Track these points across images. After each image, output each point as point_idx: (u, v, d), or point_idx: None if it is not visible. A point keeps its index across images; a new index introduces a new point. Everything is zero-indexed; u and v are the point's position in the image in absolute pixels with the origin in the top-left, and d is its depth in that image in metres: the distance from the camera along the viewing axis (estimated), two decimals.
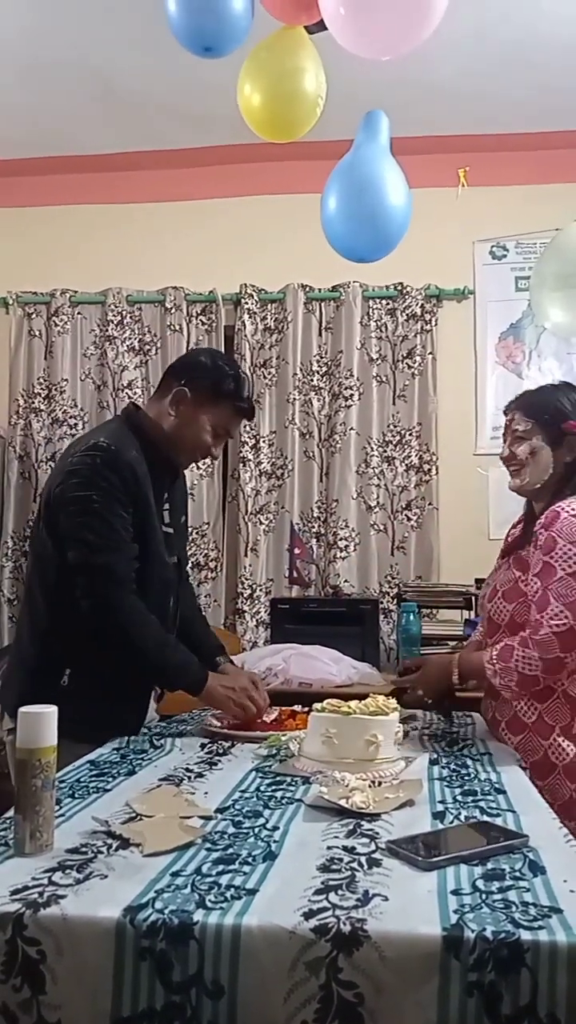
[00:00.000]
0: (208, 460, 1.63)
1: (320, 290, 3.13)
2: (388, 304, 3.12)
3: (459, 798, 1.15)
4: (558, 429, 1.57)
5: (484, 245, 3.12)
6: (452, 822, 1.05)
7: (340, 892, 0.82)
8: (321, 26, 1.66)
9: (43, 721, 0.94)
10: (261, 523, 3.12)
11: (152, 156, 3.17)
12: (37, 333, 3.24)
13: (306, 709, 1.61)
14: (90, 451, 1.54)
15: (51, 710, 0.94)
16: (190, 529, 3.13)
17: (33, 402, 3.21)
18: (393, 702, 1.32)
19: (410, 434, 3.08)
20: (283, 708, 1.66)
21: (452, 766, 1.32)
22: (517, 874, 0.87)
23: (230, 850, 0.93)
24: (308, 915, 0.76)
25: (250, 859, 0.91)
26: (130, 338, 3.21)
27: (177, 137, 3.07)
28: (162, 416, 1.63)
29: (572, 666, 1.46)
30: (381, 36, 1.46)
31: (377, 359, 3.12)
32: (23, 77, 2.70)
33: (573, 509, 1.48)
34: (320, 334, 3.15)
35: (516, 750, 1.48)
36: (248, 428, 3.09)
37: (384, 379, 3.12)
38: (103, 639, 1.51)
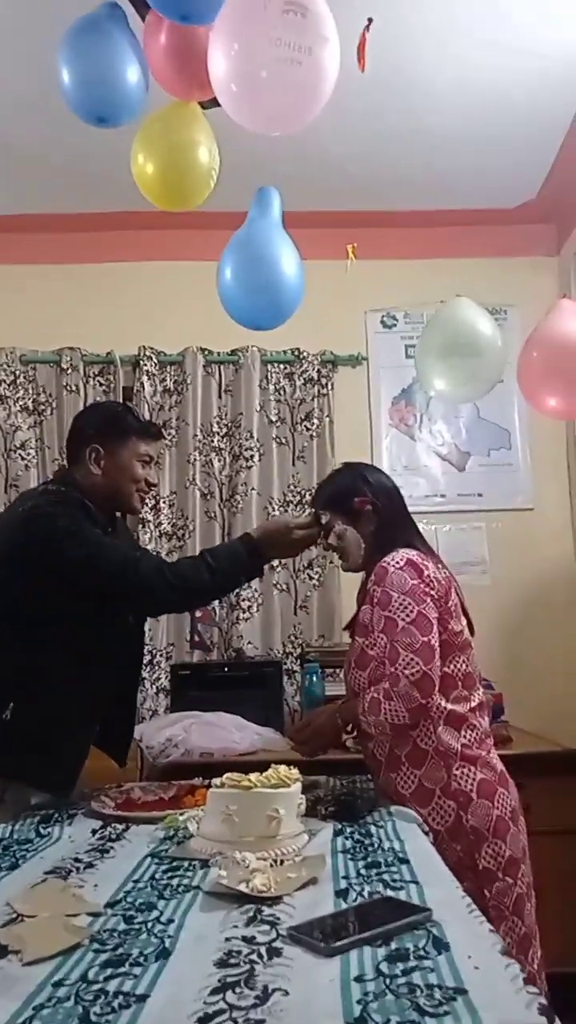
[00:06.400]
0: (149, 490, 1.79)
1: (219, 353, 3.16)
2: (286, 368, 3.19)
3: (363, 872, 1.12)
4: (351, 507, 1.68)
5: (375, 315, 3.25)
6: (355, 899, 1.02)
7: (238, 990, 0.76)
8: (215, 103, 1.71)
9: None
10: None
11: (48, 219, 3.15)
12: None
13: (207, 782, 1.55)
14: (42, 495, 1.65)
15: None
16: None
17: None
18: (295, 772, 1.29)
19: (310, 494, 3.10)
20: (181, 784, 1.59)
21: (356, 836, 1.29)
22: (421, 952, 0.84)
23: (120, 950, 0.86)
24: (203, 1020, 0.70)
25: (141, 959, 0.84)
26: (24, 398, 3.13)
27: (74, 201, 3.07)
28: (89, 476, 1.69)
29: (437, 713, 1.51)
30: (271, 113, 1.51)
31: (276, 421, 3.16)
32: None
33: (397, 562, 1.56)
34: (220, 396, 3.17)
35: None
36: None
37: (283, 440, 3.15)
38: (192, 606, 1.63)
